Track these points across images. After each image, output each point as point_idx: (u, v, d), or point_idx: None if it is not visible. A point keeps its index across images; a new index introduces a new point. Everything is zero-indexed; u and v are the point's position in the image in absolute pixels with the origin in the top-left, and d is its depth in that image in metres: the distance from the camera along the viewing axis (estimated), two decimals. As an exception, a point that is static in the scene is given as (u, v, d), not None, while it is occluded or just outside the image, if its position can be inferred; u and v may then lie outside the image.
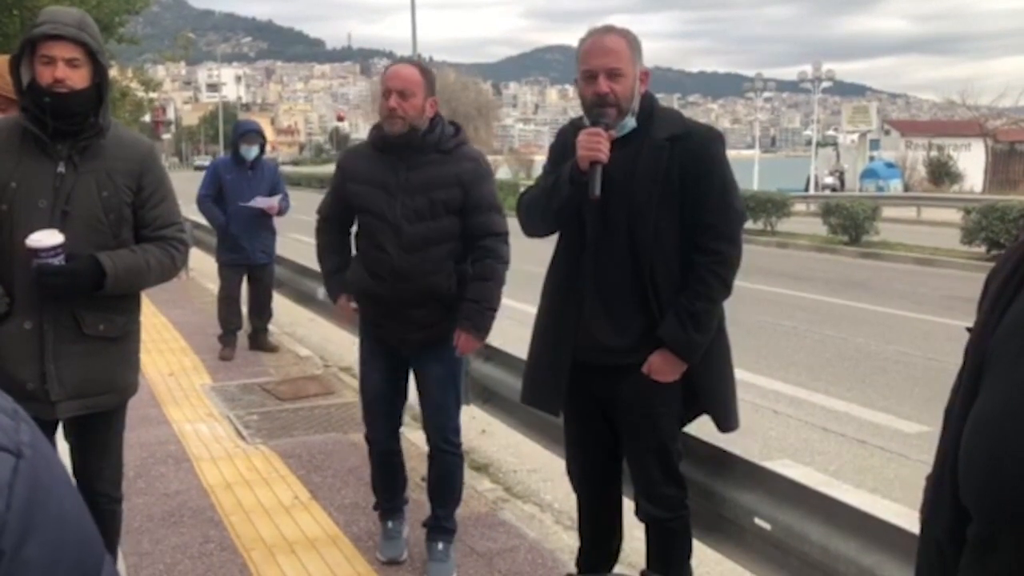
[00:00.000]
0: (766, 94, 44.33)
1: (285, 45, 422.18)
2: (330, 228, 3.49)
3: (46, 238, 2.47)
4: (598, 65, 2.63)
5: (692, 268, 2.64)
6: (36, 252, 2.46)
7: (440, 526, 3.50)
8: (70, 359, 2.59)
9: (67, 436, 2.78)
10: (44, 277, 2.48)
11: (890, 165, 34.40)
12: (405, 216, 3.17)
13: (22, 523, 0.60)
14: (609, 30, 2.70)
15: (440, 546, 3.48)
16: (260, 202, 7.01)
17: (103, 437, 2.79)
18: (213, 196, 7.19)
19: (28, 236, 2.46)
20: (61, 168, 2.56)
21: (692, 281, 2.63)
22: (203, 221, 11.26)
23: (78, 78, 2.52)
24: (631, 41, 2.67)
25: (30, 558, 0.60)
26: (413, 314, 3.23)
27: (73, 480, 2.78)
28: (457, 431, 3.49)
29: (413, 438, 4.50)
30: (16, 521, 0.60)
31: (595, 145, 2.56)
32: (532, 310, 2.97)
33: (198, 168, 67.49)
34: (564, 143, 2.81)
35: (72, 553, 0.65)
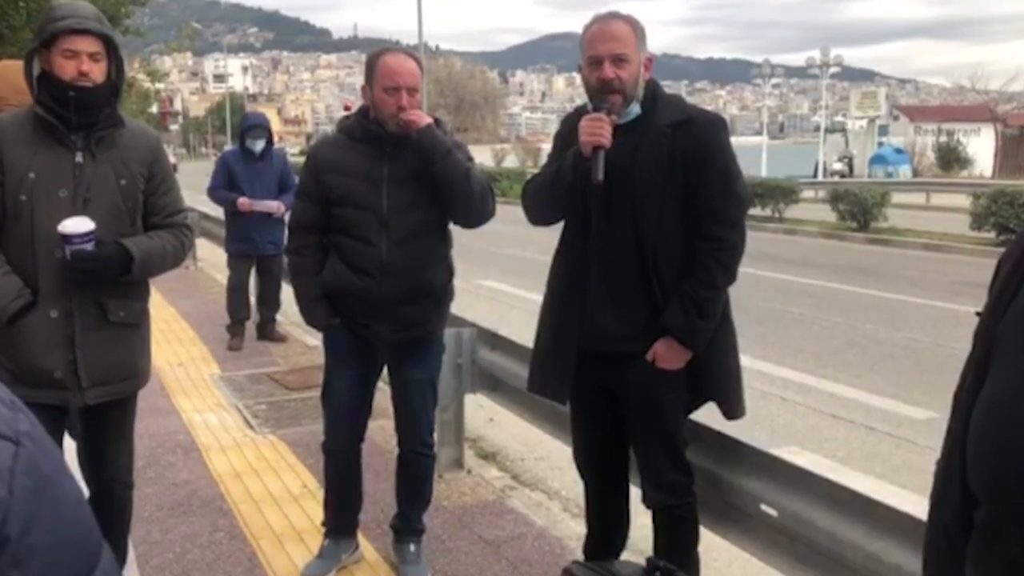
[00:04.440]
0: (774, 80, 43.98)
1: (291, 35, 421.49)
2: (310, 244, 3.17)
3: (78, 225, 2.50)
4: (604, 51, 2.61)
5: (695, 255, 2.63)
6: (69, 239, 2.48)
7: (412, 528, 3.41)
8: (96, 346, 2.62)
9: (71, 429, 2.79)
10: (79, 263, 2.50)
11: (899, 151, 34.23)
12: (394, 208, 3.05)
13: (25, 510, 0.61)
14: (614, 16, 2.69)
15: (412, 548, 3.39)
16: (260, 206, 7.07)
17: (119, 424, 2.81)
18: (224, 188, 7.22)
19: (58, 224, 2.48)
20: (79, 158, 2.58)
21: (695, 268, 2.62)
22: (210, 212, 11.29)
23: (99, 71, 2.56)
24: (636, 27, 2.66)
25: (34, 545, 0.61)
26: (404, 311, 3.10)
27: (78, 471, 2.78)
28: (432, 432, 3.40)
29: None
30: (19, 507, 0.60)
31: (597, 130, 2.55)
32: (538, 299, 2.96)
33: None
34: (569, 130, 2.79)
35: (73, 541, 0.66)
